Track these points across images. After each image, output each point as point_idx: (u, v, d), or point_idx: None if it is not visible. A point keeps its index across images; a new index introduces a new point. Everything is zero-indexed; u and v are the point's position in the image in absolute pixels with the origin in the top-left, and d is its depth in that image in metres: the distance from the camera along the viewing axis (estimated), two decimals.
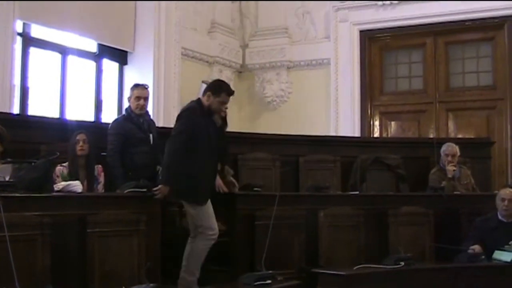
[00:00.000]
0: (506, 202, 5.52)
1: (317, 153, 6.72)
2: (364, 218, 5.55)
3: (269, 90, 9.07)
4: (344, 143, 7.23)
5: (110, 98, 7.55)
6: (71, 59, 7.01)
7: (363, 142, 7.62)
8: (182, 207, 4.81)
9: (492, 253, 5.36)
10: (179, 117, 4.68)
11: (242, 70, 9.29)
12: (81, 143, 4.87)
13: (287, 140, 6.79)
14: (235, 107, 8.35)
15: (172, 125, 4.81)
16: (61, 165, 4.84)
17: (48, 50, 6.77)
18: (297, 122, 8.67)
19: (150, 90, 5.52)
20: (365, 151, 6.82)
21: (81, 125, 5.27)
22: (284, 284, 4.77)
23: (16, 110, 6.15)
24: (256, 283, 4.53)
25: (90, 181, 4.88)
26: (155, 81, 7.51)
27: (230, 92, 4.76)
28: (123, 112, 5.39)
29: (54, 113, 6.72)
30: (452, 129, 8.45)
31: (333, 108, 8.68)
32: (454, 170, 6.34)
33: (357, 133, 8.51)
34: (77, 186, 4.35)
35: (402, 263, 5.13)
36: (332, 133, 8.39)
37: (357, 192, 6.07)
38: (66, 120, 6.27)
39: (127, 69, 7.73)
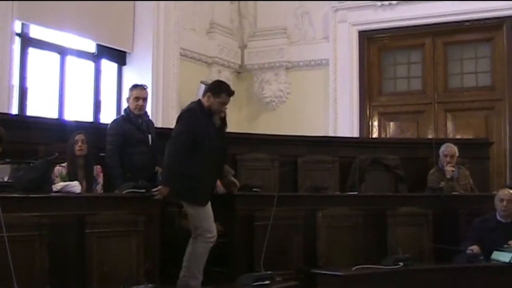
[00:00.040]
0: (504, 203, 5.53)
1: (315, 154, 6.71)
2: (363, 218, 5.55)
3: (268, 90, 9.07)
4: (343, 143, 7.22)
5: (108, 99, 7.55)
6: (69, 59, 7.01)
7: (362, 143, 7.60)
8: (181, 207, 4.80)
9: (491, 253, 5.36)
10: (179, 118, 4.68)
11: (241, 71, 9.29)
12: (79, 144, 4.86)
13: (286, 140, 6.78)
14: (234, 108, 8.34)
15: (171, 126, 4.81)
16: (59, 166, 4.83)
17: (46, 50, 6.77)
18: (295, 122, 8.66)
19: (149, 90, 5.50)
20: (364, 152, 6.80)
21: (80, 126, 5.25)
22: (283, 284, 4.78)
23: (14, 110, 6.15)
24: (254, 284, 4.53)
25: (89, 181, 4.87)
26: (153, 81, 7.50)
27: (230, 93, 4.75)
28: (122, 113, 5.37)
29: (52, 114, 6.72)
30: (450, 130, 8.46)
31: (332, 109, 8.68)
32: (452, 170, 6.34)
33: (355, 134, 8.50)
34: (75, 186, 4.35)
35: (401, 264, 5.12)
36: (331, 134, 8.38)
37: (356, 193, 6.06)
38: (65, 121, 6.27)
39: (125, 69, 7.73)
